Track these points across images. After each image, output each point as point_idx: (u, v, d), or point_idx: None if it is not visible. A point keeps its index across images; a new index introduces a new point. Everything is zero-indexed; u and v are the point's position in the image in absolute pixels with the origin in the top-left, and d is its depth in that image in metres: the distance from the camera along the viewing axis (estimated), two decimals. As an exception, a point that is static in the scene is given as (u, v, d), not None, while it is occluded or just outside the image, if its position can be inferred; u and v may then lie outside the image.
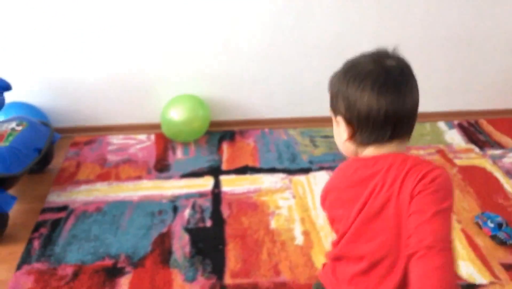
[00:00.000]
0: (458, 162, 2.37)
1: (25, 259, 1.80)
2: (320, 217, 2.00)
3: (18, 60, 2.37)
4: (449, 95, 2.72)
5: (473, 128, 2.66)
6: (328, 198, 1.12)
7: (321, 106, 2.61)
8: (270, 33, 2.41)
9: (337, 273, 1.10)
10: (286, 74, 2.54)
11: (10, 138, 1.90)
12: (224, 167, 2.34)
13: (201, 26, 2.37)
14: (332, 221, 1.13)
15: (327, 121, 2.61)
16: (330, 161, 2.36)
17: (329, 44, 2.46)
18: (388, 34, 2.44)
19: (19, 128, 1.97)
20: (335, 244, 1.09)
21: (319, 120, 2.67)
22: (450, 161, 2.38)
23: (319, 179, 2.23)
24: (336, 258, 1.10)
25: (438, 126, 2.69)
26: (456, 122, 2.72)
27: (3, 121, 2.04)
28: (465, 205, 2.07)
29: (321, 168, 2.31)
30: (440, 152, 2.45)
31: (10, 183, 1.94)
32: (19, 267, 1.76)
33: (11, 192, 1.97)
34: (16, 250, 1.85)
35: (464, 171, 2.29)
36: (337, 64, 2.62)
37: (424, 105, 2.67)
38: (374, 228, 1.00)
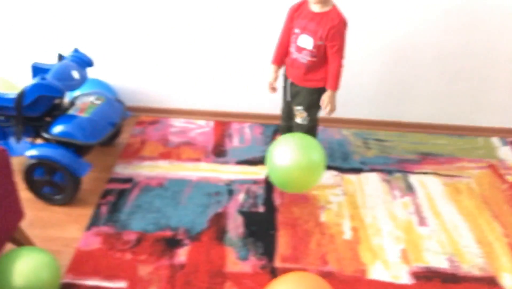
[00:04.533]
0: (509, 178, 2.38)
1: (94, 221, 1.97)
2: (369, 216, 2.07)
3: (97, 41, 2.55)
4: (506, 112, 2.71)
5: (528, 147, 2.66)
6: None
7: (376, 109, 2.70)
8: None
9: None
10: (344, 75, 2.60)
11: (90, 110, 2.07)
12: (277, 158, 2.45)
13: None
14: None
15: (381, 124, 2.71)
16: (382, 163, 2.42)
17: (389, 49, 2.52)
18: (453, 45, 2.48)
19: (98, 102, 2.14)
20: None
21: (373, 124, 2.74)
22: (501, 176, 2.39)
23: (371, 180, 2.30)
24: None
25: (492, 141, 2.69)
26: (510, 139, 2.72)
27: (83, 95, 2.22)
28: (514, 220, 2.10)
29: (372, 170, 2.38)
30: (492, 166, 2.46)
31: (85, 151, 2.13)
32: (88, 228, 1.94)
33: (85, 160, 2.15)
34: (86, 213, 2.02)
35: (516, 188, 2.31)
36: (395, 68, 2.67)
37: (479, 120, 2.72)
38: None
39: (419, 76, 2.59)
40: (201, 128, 2.68)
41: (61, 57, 2.10)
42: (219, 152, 2.48)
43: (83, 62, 2.13)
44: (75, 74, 2.03)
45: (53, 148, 1.95)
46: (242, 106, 2.75)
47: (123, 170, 2.30)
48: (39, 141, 2.12)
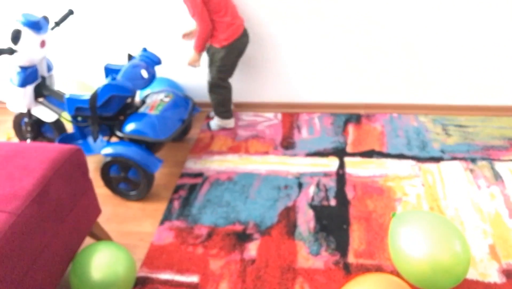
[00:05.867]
0: None
1: (167, 216, 2.01)
2: (451, 208, 1.92)
3: (164, 40, 2.59)
4: None
5: None
6: None
7: (456, 93, 2.49)
8: (399, 18, 2.33)
9: None
10: (419, 57, 2.44)
11: (160, 108, 2.11)
12: (349, 149, 2.35)
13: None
14: None
15: (461, 109, 2.50)
16: (464, 151, 2.23)
17: (463, 31, 2.30)
18: None
19: (167, 99, 2.18)
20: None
21: (453, 109, 2.54)
22: None
23: (452, 169, 2.13)
24: None
25: None
26: None
27: (153, 93, 2.27)
28: None
29: (453, 158, 2.20)
30: None
31: (157, 148, 2.18)
32: (161, 223, 1.98)
33: (157, 156, 2.20)
34: (159, 208, 2.07)
35: None
36: (471, 52, 2.45)
37: None
38: None
39: (502, 53, 2.35)
40: (269, 121, 2.65)
41: (130, 57, 2.16)
42: (287, 144, 2.43)
43: (152, 61, 2.17)
44: (144, 73, 2.07)
45: (126, 145, 2.01)
46: (310, 97, 2.67)
47: (193, 164, 2.33)
48: (114, 139, 2.20)
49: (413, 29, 2.36)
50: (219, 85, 2.44)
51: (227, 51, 2.31)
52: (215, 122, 2.59)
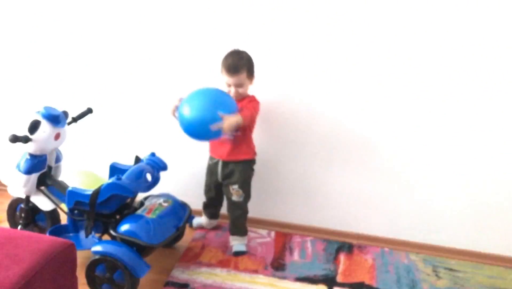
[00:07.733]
0: None
1: (145, 326, 1.93)
2: None
3: (171, 149, 2.71)
4: None
5: None
6: None
7: (449, 235, 2.53)
8: (404, 150, 2.46)
9: None
10: (414, 195, 2.51)
11: (157, 212, 2.14)
12: (339, 278, 2.32)
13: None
14: None
15: (452, 252, 2.51)
16: (454, 297, 2.21)
17: (464, 175, 2.42)
18: None
19: (165, 204, 2.21)
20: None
21: (444, 251, 2.55)
22: None
23: (441, 314, 2.09)
24: None
25: None
26: None
27: (153, 196, 2.31)
28: None
29: (443, 303, 2.17)
30: None
31: (147, 252, 2.15)
32: (138, 333, 1.89)
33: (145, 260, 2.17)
34: (138, 316, 1.99)
35: None
36: (472, 196, 2.50)
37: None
38: None
39: (503, 200, 2.41)
40: (262, 238, 2.65)
41: (138, 160, 2.24)
42: (278, 265, 2.40)
43: (158, 166, 2.25)
44: (149, 177, 2.13)
45: (117, 245, 2.00)
46: (305, 219, 2.71)
47: (180, 273, 2.28)
48: (106, 237, 2.19)
49: (414, 168, 2.47)
50: (247, 201, 2.49)
51: (255, 161, 2.45)
52: (199, 221, 2.66)
